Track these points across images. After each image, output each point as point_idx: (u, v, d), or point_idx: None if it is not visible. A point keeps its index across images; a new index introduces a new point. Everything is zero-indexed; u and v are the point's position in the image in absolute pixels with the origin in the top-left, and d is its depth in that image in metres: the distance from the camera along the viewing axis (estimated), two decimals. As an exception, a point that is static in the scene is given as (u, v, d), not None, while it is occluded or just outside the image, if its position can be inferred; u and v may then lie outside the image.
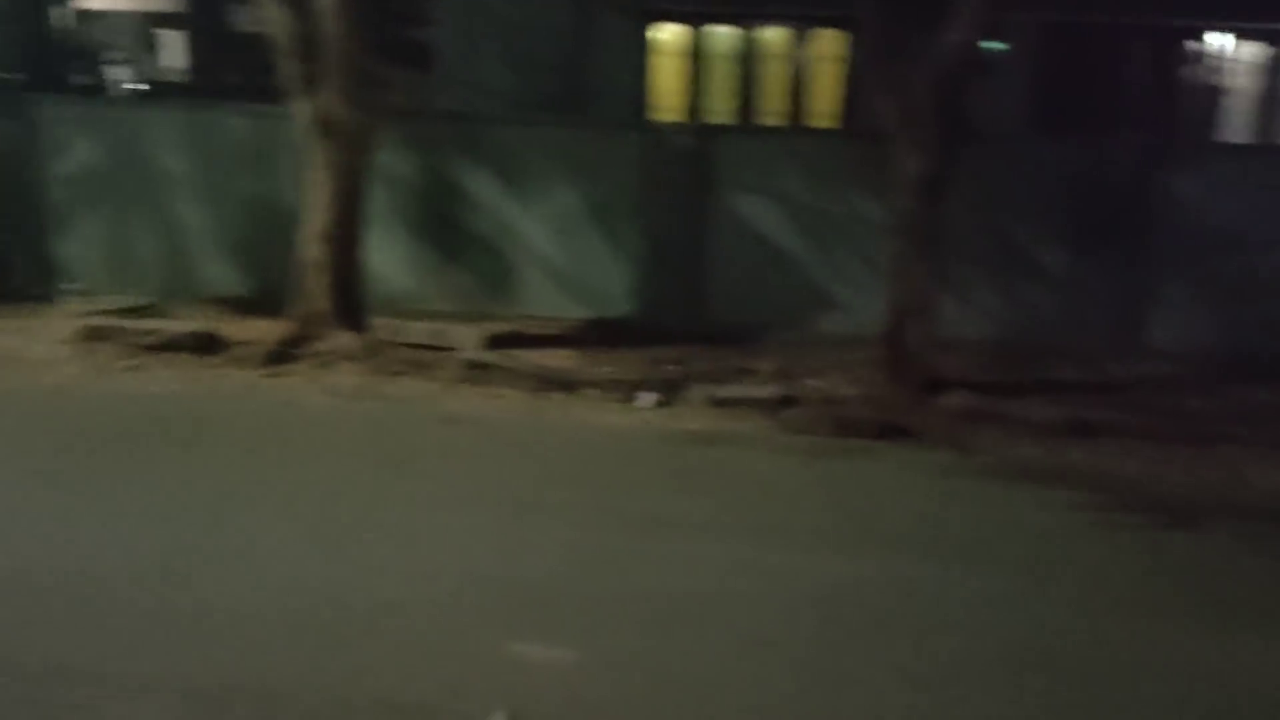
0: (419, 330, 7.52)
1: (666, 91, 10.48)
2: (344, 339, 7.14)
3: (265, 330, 7.44)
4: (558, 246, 8.27)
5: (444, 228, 8.33)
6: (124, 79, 14.82)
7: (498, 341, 7.49)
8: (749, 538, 4.56)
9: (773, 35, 10.36)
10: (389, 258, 8.15)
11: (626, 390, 6.66)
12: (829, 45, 10.20)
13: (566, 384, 6.74)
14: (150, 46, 17.03)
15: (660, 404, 6.54)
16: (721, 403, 6.52)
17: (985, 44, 6.89)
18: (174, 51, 16.98)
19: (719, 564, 4.27)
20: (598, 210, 8.19)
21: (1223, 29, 10.25)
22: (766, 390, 6.66)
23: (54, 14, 10.40)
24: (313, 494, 4.85)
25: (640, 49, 10.29)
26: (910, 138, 6.48)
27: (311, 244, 7.23)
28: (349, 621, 3.66)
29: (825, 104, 10.37)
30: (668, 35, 10.43)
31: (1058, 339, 7.78)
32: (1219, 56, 10.47)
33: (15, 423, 5.83)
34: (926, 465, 5.65)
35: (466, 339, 7.43)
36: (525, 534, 4.48)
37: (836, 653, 3.61)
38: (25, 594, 3.78)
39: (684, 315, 8.15)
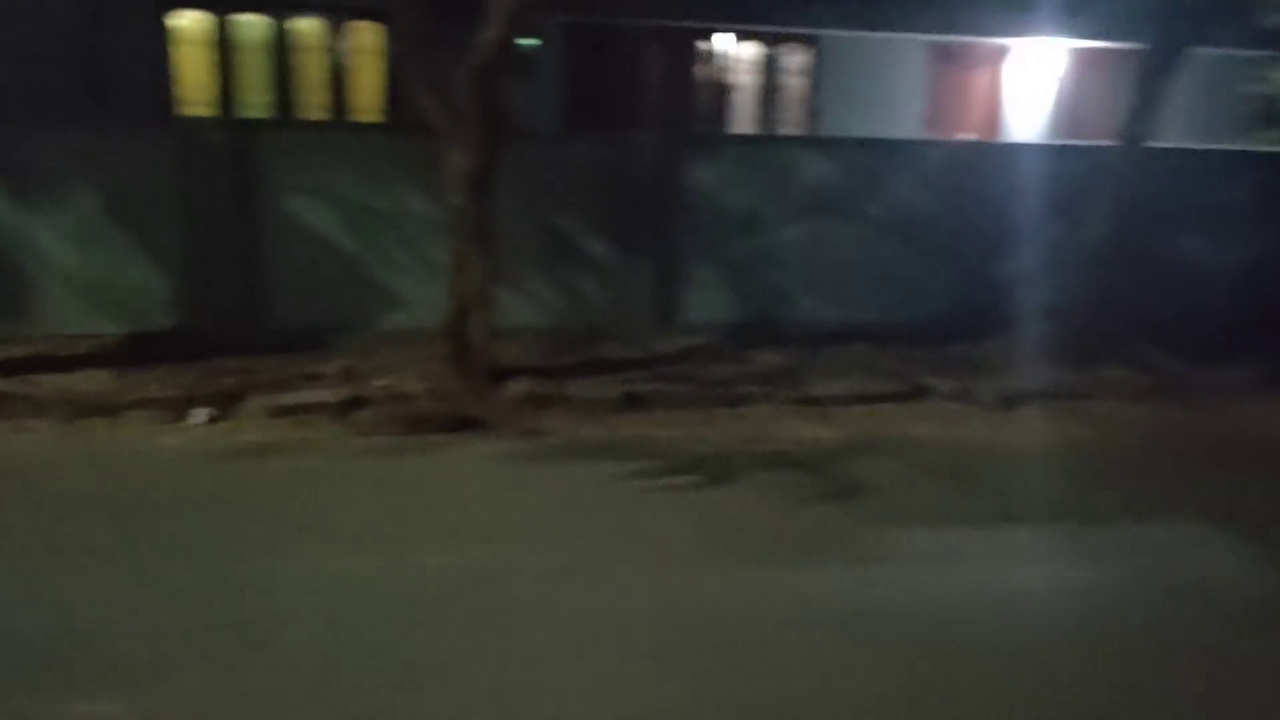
0: (-93, 363, 6.42)
1: (195, 85, 9.74)
2: None
3: None
4: (82, 257, 7.40)
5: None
6: None
7: (14, 367, 6.58)
8: (320, 548, 4.43)
9: (307, 26, 9.96)
10: None
11: (176, 408, 6.16)
12: (367, 37, 10.01)
13: (105, 408, 6.09)
14: None
15: (215, 419, 6.13)
16: (284, 411, 6.24)
17: (521, 42, 7.12)
18: None
19: (290, 579, 4.10)
20: (127, 215, 7.43)
21: (726, 31, 11.46)
22: (332, 394, 6.47)
23: None
24: None
25: (160, 39, 9.46)
26: (456, 134, 6.56)
27: None
28: None
29: (368, 98, 10.18)
30: (190, 24, 9.67)
31: (606, 321, 8.30)
32: (723, 56, 11.70)
33: None
34: (495, 453, 5.81)
35: (-29, 367, 6.46)
36: (65, 579, 4.01)
37: (413, 645, 3.62)
38: None
39: (240, 323, 7.66)
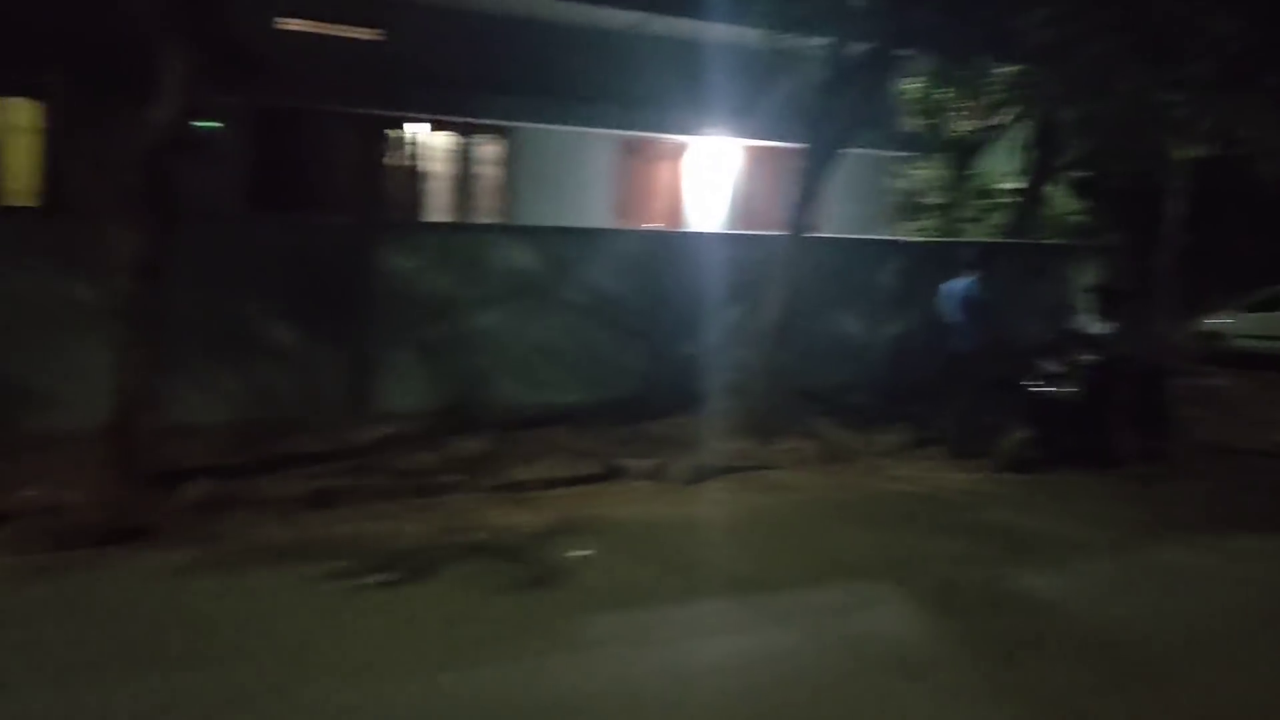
0: None
1: None
2: None
3: None
4: None
5: None
6: None
7: None
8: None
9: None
10: None
11: None
12: (20, 114, 9.12)
13: None
14: None
15: None
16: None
17: (199, 123, 6.77)
18: None
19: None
20: None
21: (419, 120, 11.46)
22: (-36, 509, 5.69)
23: None
24: None
25: None
26: (124, 217, 6.09)
27: None
28: None
29: (18, 179, 9.23)
30: None
31: (295, 413, 7.91)
32: (417, 144, 11.67)
33: None
34: (163, 565, 5.32)
35: None
36: None
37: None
38: None
39: None
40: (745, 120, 12.21)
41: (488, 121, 11.69)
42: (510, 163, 12.00)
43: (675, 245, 10.02)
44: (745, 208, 13.26)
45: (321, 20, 10.20)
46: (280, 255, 8.01)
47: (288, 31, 9.88)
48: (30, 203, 9.13)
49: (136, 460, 6.17)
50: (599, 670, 4.27)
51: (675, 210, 13.16)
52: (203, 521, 5.94)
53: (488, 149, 12.00)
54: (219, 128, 8.99)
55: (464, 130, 11.84)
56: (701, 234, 11.32)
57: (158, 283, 6.28)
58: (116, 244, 6.17)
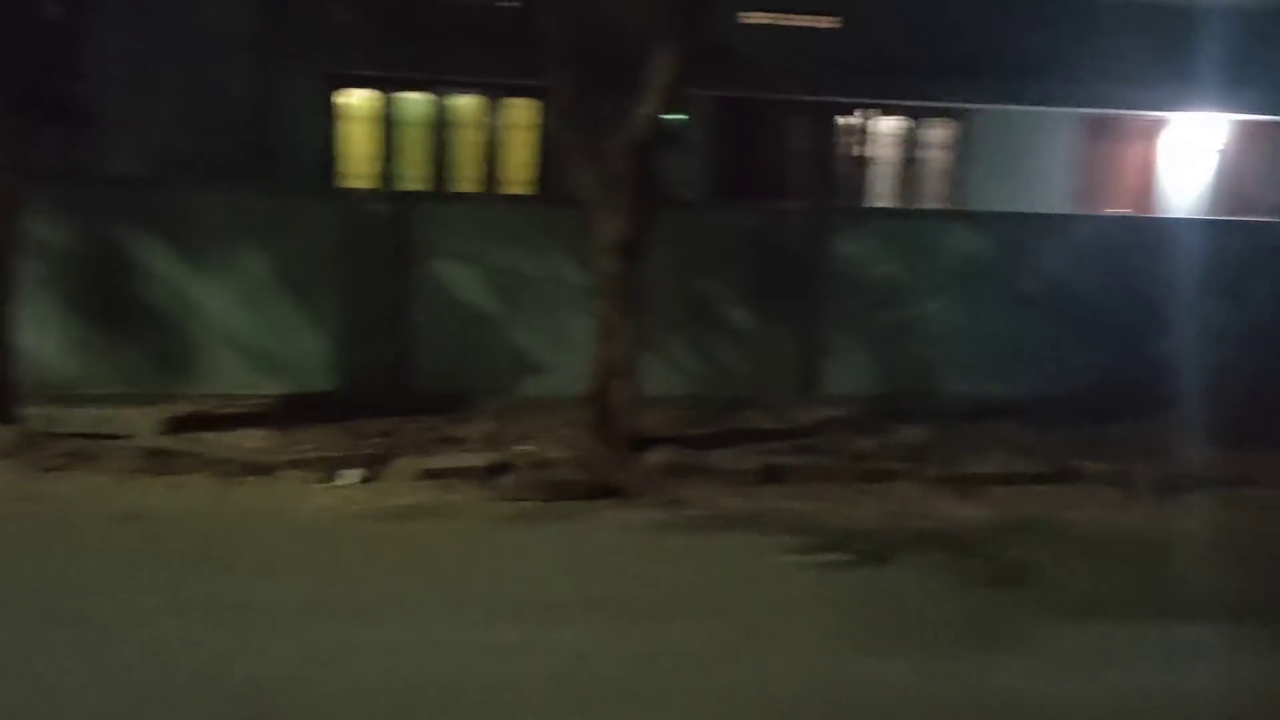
0: (86, 417, 6.77)
1: (358, 157, 10.19)
2: (-7, 433, 6.29)
3: None
4: (246, 319, 7.74)
5: (113, 303, 7.56)
6: None
7: (180, 424, 6.89)
8: (476, 616, 4.42)
9: (465, 103, 10.37)
10: (45, 338, 7.29)
11: (328, 468, 6.32)
12: (521, 113, 10.35)
13: (261, 466, 6.29)
14: None
15: (365, 480, 6.26)
16: (430, 474, 6.33)
17: (671, 116, 7.26)
18: None
19: (452, 648, 4.09)
20: (289, 280, 7.76)
21: (870, 106, 11.43)
22: (476, 458, 6.54)
23: None
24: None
25: (328, 113, 9.96)
26: (609, 204, 6.68)
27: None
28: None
29: (518, 170, 10.49)
30: (357, 100, 10.17)
31: (746, 391, 8.24)
32: (865, 130, 11.65)
33: None
34: (638, 523, 5.76)
35: (141, 424, 6.78)
36: (228, 636, 4.09)
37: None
38: None
39: (389, 387, 7.87)
40: (1236, 93, 10.85)
41: (938, 105, 11.37)
42: (959, 146, 11.60)
43: (1145, 232, 9.14)
44: (1231, 190, 11.80)
45: (782, 11, 10.48)
46: (738, 240, 8.36)
47: (749, 25, 10.25)
48: (529, 191, 10.36)
49: (614, 425, 6.74)
50: (1092, 682, 4.02)
51: (1145, 194, 12.01)
52: (668, 486, 6.35)
53: (936, 133, 11.70)
54: (686, 120, 9.55)
55: (913, 114, 11.63)
56: (1177, 220, 10.23)
57: (637, 263, 6.81)
58: (602, 228, 6.77)
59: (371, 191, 9.61)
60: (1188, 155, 11.93)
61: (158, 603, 4.39)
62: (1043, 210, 10.28)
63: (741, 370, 8.36)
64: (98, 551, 5.05)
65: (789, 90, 10.53)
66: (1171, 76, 10.66)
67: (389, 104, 10.26)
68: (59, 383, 7.29)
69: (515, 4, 9.11)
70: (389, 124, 10.26)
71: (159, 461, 6.22)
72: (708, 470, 6.61)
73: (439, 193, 9.93)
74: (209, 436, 6.77)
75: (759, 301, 8.35)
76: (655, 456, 6.69)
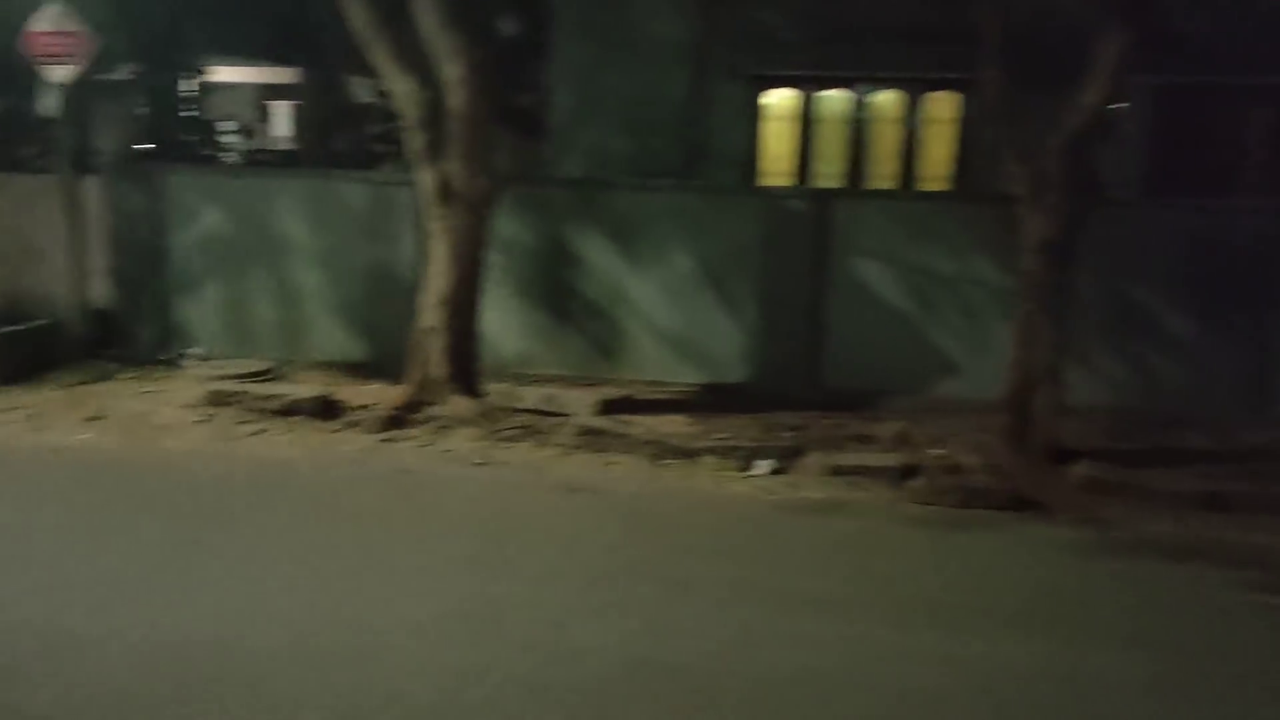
0: (533, 395, 7.60)
1: (776, 155, 10.51)
2: (459, 404, 7.22)
3: (382, 395, 7.58)
4: (671, 310, 8.29)
5: (557, 292, 8.42)
6: (236, 148, 15.48)
7: (610, 407, 7.52)
8: (892, 617, 4.44)
9: (884, 99, 10.34)
10: (502, 322, 8.25)
11: (743, 457, 6.60)
12: (941, 107, 10.14)
13: (682, 451, 6.71)
14: (262, 117, 17.80)
15: (776, 472, 6.47)
16: (840, 471, 6.42)
17: (1115, 105, 6.80)
18: (282, 121, 17.73)
19: (868, 646, 4.16)
20: (712, 274, 8.20)
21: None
22: (886, 458, 6.54)
23: (181, 87, 10.89)
24: (445, 568, 4.86)
25: (753, 114, 10.35)
26: (1037, 201, 6.40)
27: (429, 310, 7.36)
28: (502, 705, 3.64)
29: (936, 166, 10.29)
30: (778, 100, 10.48)
31: (1184, 406, 7.53)
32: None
33: (147, 486, 5.99)
34: (1058, 540, 5.48)
35: (580, 404, 7.48)
36: (666, 612, 4.41)
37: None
38: (166, 665, 3.84)
39: (800, 381, 8.07)
40: None
41: None
42: None
43: None
44: None
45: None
46: (1179, 240, 7.64)
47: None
48: (946, 188, 10.14)
49: (1032, 434, 6.46)
50: None
51: None
52: (1092, 504, 5.98)
53: None
54: (1127, 107, 8.87)
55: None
56: None
57: (1064, 265, 6.46)
58: (1028, 225, 6.48)
59: (790, 189, 9.87)
60: None
61: (602, 570, 4.85)
62: None
63: (1176, 382, 7.64)
64: (542, 517, 5.67)
65: (1242, 74, 9.41)
66: None
67: (808, 103, 10.45)
68: (512, 363, 8.25)
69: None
70: (807, 122, 10.46)
71: (594, 440, 6.83)
72: (1138, 490, 6.13)
73: (856, 189, 9.99)
74: (636, 419, 7.32)
75: (1201, 308, 7.59)
76: (1077, 470, 6.32)
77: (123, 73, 8.73)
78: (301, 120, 15.97)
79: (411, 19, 7.06)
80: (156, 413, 7.34)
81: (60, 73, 8.01)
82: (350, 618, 4.25)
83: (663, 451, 6.70)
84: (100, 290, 8.78)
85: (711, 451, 6.70)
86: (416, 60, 7.16)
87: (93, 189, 8.71)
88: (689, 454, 6.68)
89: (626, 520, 5.62)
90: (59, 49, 7.94)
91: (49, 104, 8.11)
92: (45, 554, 4.84)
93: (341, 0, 7.11)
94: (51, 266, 8.70)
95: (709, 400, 7.81)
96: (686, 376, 8.21)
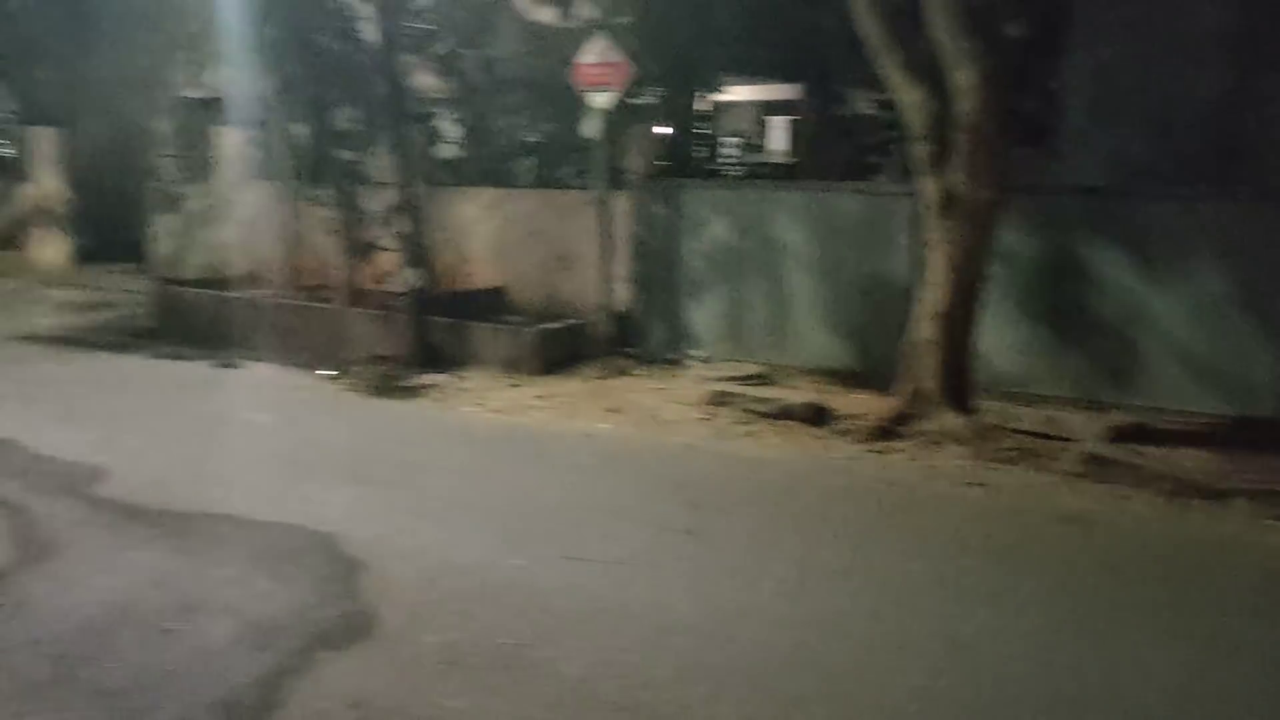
0: (1030, 416, 7.17)
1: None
2: (950, 420, 7.01)
3: (871, 406, 7.58)
4: (1196, 333, 7.38)
5: (1061, 308, 7.86)
6: (737, 162, 16.41)
7: (1121, 434, 6.87)
8: None
9: None
10: (998, 337, 7.85)
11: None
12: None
13: (1208, 490, 5.96)
14: (761, 132, 18.71)
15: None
16: None
17: None
18: (779, 136, 18.48)
19: None
20: (1250, 294, 7.20)
21: None
22: None
23: (695, 107, 11.76)
24: (932, 589, 4.73)
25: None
26: None
27: (924, 322, 7.23)
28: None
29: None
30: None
31: None
32: None
33: (654, 474, 6.50)
34: None
35: (1084, 429, 6.92)
36: (1206, 680, 3.91)
37: None
38: (671, 643, 4.10)
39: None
40: None
41: None
42: None
43: None
44: None
45: None
46: None
47: None
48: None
49: None
50: None
51: None
52: None
53: None
54: None
55: None
56: None
57: None
58: None
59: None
60: None
61: (1106, 616, 4.43)
62: None
63: None
64: (1039, 547, 5.31)
65: None
66: None
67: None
68: (1006, 380, 7.83)
69: None
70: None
71: (1101, 469, 6.30)
72: None
73: None
74: (1149, 450, 6.63)
75: None
76: None
77: (649, 96, 9.57)
78: (798, 134, 16.51)
79: (922, 28, 6.98)
80: (664, 408, 7.95)
81: (601, 99, 8.98)
82: (841, 627, 4.29)
83: (1183, 488, 6.00)
84: (621, 294, 9.71)
85: (1244, 494, 5.88)
86: (925, 70, 7.07)
87: (619, 203, 9.65)
88: (1215, 494, 5.92)
89: (1142, 562, 5.10)
90: (602, 78, 8.91)
91: (590, 127, 9.13)
92: (567, 528, 5.45)
93: (854, 13, 7.22)
94: (583, 272, 9.79)
95: (1239, 434, 6.84)
96: (1210, 406, 7.26)
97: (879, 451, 6.92)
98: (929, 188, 7.17)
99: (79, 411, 7.63)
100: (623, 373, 9.05)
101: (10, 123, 16.46)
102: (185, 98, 12.41)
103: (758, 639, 4.15)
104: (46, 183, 15.97)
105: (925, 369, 7.23)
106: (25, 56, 15.55)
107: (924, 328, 7.25)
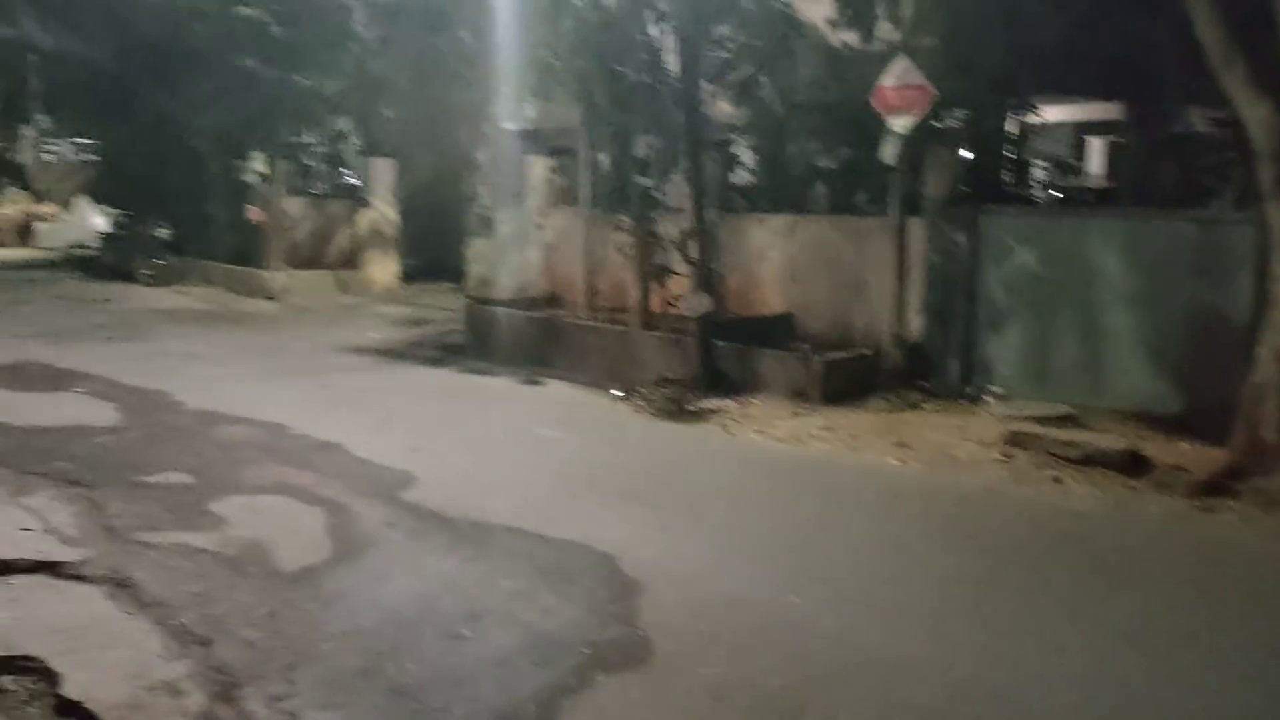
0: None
1: None
2: (1295, 477, 6.17)
3: (1198, 456, 6.83)
4: None
5: None
6: (1051, 187, 15.38)
7: None
8: None
9: None
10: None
11: None
12: None
13: None
14: (1078, 154, 17.46)
15: None
16: None
17: None
18: (1097, 158, 17.16)
19: None
20: None
21: None
22: None
23: (1005, 129, 11.10)
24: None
25: None
26: None
27: (1268, 365, 6.41)
28: None
29: None
30: None
31: None
32: None
33: (942, 516, 6.15)
34: None
35: None
36: None
37: None
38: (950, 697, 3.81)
39: None
40: None
41: None
42: None
43: None
44: None
45: None
46: None
47: None
48: None
49: None
50: None
51: None
52: None
53: None
54: None
55: None
56: None
57: None
58: None
59: None
60: None
61: None
62: None
63: None
64: None
65: None
66: None
67: None
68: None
69: None
70: None
71: None
72: None
73: None
74: None
75: None
76: None
77: (953, 119, 9.15)
78: (1119, 156, 15.25)
79: (1273, 34, 6.22)
80: (958, 446, 7.53)
81: (901, 122, 8.68)
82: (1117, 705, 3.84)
83: None
84: (915, 324, 9.33)
85: None
86: (1274, 82, 6.30)
87: (915, 230, 9.29)
88: None
89: None
90: (903, 101, 8.61)
91: (889, 152, 8.84)
92: (847, 568, 5.24)
93: (1193, 18, 6.54)
94: (874, 300, 9.50)
95: None
96: None
97: (1206, 509, 6.19)
98: (1276, 215, 6.36)
99: (395, 420, 8.26)
100: (913, 406, 8.68)
101: (356, 154, 18.26)
102: (503, 128, 13.23)
103: (1026, 698, 3.80)
104: (382, 208, 17.66)
105: (1266, 417, 6.41)
106: (371, 94, 17.21)
107: (1267, 371, 6.43)
